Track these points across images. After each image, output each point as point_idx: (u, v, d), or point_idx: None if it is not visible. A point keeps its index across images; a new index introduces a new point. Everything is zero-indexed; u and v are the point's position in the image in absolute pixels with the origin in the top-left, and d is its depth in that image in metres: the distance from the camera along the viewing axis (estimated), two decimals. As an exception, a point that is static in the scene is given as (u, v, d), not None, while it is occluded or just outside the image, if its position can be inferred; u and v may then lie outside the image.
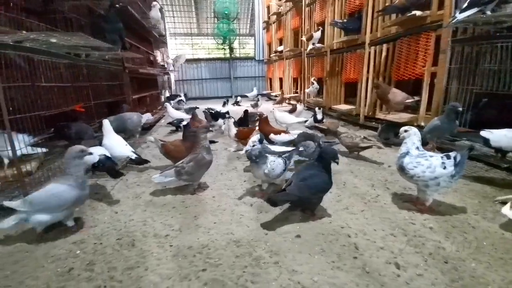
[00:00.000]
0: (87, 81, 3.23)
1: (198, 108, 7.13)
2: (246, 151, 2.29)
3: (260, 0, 11.82)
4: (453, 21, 2.71)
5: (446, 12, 3.24)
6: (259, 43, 12.54)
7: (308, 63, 7.56)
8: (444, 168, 1.86)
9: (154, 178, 2.38)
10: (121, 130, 3.61)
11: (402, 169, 1.97)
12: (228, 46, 12.28)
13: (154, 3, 6.51)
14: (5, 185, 2.48)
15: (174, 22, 12.07)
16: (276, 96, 10.09)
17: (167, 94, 9.34)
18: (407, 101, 3.76)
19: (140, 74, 5.67)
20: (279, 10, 9.48)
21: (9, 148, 2.20)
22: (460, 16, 2.61)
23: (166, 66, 9.73)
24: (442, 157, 1.90)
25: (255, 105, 7.78)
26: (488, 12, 2.51)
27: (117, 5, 3.81)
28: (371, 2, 4.57)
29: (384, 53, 4.36)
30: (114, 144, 2.83)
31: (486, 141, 2.45)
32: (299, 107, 6.07)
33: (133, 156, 2.87)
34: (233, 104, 9.21)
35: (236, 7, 11.68)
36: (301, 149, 2.96)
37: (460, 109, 2.76)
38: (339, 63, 5.82)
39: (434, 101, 3.46)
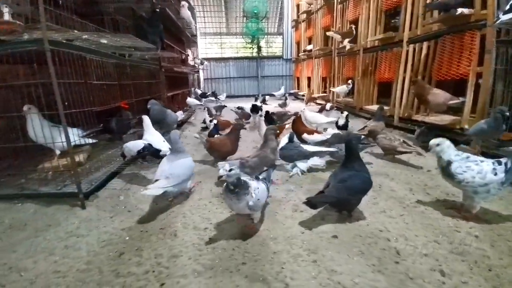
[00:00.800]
0: (130, 79, 3.44)
1: (226, 106, 7.27)
2: (221, 176, 2.12)
3: (290, -2, 11.75)
4: (496, 22, 2.58)
5: (490, 12, 3.11)
6: (287, 42, 12.48)
7: (339, 62, 7.40)
8: (495, 174, 1.75)
9: (221, 166, 2.52)
10: (159, 120, 3.71)
11: (449, 175, 1.88)
12: (256, 45, 12.33)
13: (183, 2, 6.67)
14: (57, 175, 2.73)
15: (205, 22, 12.35)
16: (303, 95, 9.98)
17: (199, 92, 9.60)
18: (451, 102, 3.55)
19: (174, 72, 5.89)
20: (309, 8, 9.35)
21: (63, 140, 2.42)
22: (503, 17, 2.51)
23: (195, 65, 10.03)
24: (493, 163, 1.79)
25: (283, 104, 7.75)
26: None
27: (158, 9, 4.00)
28: (411, -1, 4.38)
29: (424, 51, 4.15)
30: (154, 140, 2.99)
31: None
32: (328, 106, 5.95)
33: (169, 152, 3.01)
34: (260, 102, 9.23)
35: (266, 6, 11.69)
36: (335, 149, 2.93)
37: (508, 113, 2.62)
38: (372, 62, 5.64)
39: (479, 103, 3.25)
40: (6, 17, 2.26)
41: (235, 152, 3.07)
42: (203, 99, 9.58)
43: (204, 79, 12.31)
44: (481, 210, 1.97)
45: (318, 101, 9.07)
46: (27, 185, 2.60)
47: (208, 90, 12.12)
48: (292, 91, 11.81)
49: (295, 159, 2.85)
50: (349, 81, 6.64)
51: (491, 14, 3.05)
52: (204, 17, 12.24)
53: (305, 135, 3.31)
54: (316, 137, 3.35)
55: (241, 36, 12.33)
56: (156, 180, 2.09)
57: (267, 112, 5.00)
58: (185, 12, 6.44)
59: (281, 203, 2.26)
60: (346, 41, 6.42)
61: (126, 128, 3.54)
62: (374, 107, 5.54)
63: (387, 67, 5.11)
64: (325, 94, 8.48)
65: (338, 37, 6.72)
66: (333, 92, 7.37)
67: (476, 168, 1.78)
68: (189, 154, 2.38)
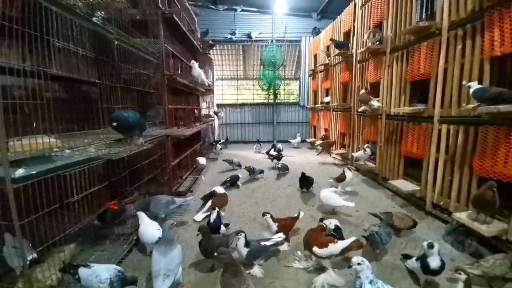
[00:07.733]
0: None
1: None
2: None
3: (307, 48, 11.75)
4: None
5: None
6: (303, 89, 12.29)
7: (358, 121, 6.92)
8: None
9: None
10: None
11: None
12: (272, 92, 12.23)
13: (192, 61, 6.46)
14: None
15: (222, 69, 12.53)
16: (318, 146, 9.30)
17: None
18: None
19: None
20: (327, 61, 9.16)
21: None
22: None
23: (210, 114, 9.96)
24: None
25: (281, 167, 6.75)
26: None
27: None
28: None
29: (461, 136, 3.58)
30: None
31: None
32: (348, 175, 5.32)
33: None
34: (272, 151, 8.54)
35: (283, 55, 11.75)
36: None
37: None
38: (397, 131, 5.09)
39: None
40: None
41: None
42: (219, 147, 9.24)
43: (219, 124, 12.18)
44: None
45: (334, 155, 8.50)
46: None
47: (223, 136, 11.94)
48: (308, 140, 11.34)
49: None
50: (366, 146, 6.07)
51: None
52: (222, 64, 12.43)
53: (315, 249, 2.68)
54: (332, 249, 2.71)
55: (258, 83, 12.31)
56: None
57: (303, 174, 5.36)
58: (196, 71, 6.30)
59: None
60: (367, 105, 5.91)
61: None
62: (400, 182, 4.86)
63: (414, 142, 4.52)
64: (343, 152, 7.90)
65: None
66: (353, 156, 6.76)
67: None
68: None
